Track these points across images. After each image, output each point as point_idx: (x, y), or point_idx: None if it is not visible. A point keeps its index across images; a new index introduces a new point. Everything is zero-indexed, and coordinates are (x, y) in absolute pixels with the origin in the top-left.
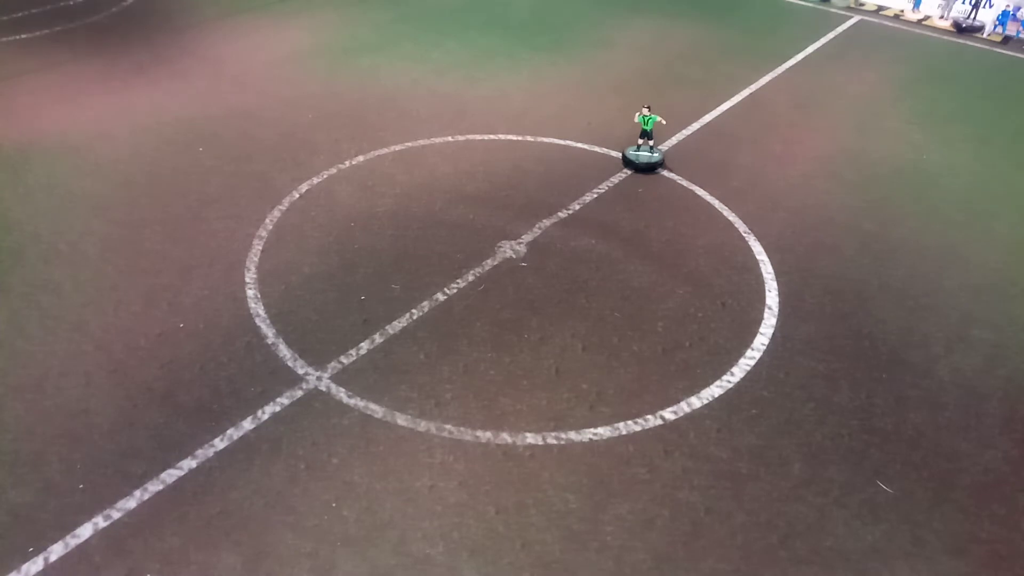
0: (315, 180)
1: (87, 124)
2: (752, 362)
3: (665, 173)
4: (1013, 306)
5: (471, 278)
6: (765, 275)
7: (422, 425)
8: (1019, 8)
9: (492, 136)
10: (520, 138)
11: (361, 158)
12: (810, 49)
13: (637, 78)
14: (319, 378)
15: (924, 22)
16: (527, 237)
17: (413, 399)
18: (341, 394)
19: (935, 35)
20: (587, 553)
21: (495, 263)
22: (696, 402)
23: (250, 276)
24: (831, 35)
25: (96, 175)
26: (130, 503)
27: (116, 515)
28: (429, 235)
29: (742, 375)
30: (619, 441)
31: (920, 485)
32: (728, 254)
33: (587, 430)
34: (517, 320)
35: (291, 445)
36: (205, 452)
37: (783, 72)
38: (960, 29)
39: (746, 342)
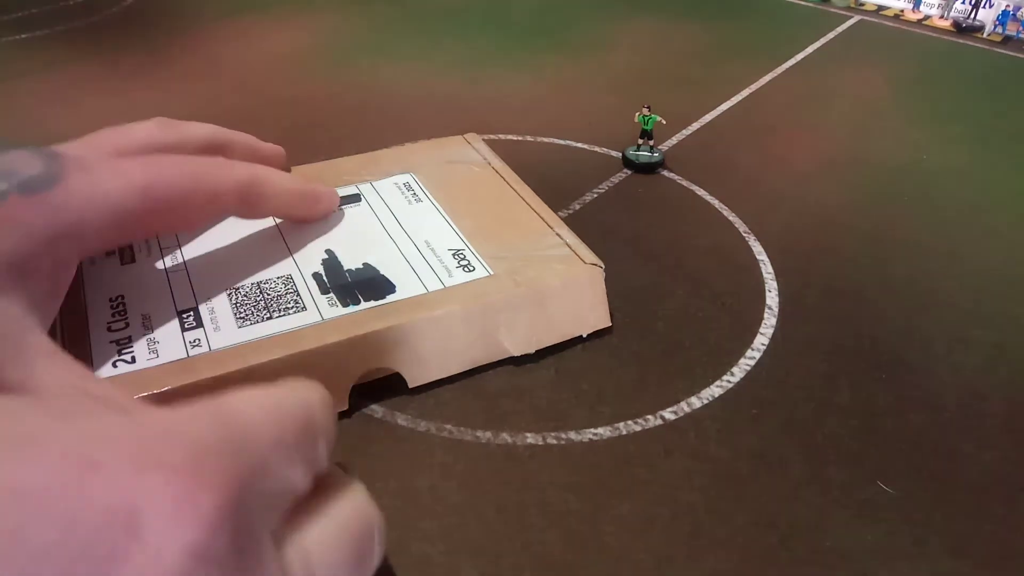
0: None
1: (87, 124)
2: (752, 362)
3: (665, 173)
4: (1013, 306)
5: None
6: (765, 275)
7: (422, 425)
8: (1019, 8)
9: (492, 136)
10: (520, 138)
11: None
12: (810, 49)
13: (637, 78)
14: None
15: (924, 22)
16: None
17: (413, 399)
18: None
19: (935, 35)
20: (587, 553)
21: None
22: (696, 402)
23: None
24: (831, 35)
25: None
26: None
27: None
28: None
29: (742, 375)
30: (619, 441)
31: (920, 485)
32: (728, 254)
33: (587, 430)
34: None
35: None
36: None
37: (783, 72)
38: (960, 29)
39: (746, 342)
